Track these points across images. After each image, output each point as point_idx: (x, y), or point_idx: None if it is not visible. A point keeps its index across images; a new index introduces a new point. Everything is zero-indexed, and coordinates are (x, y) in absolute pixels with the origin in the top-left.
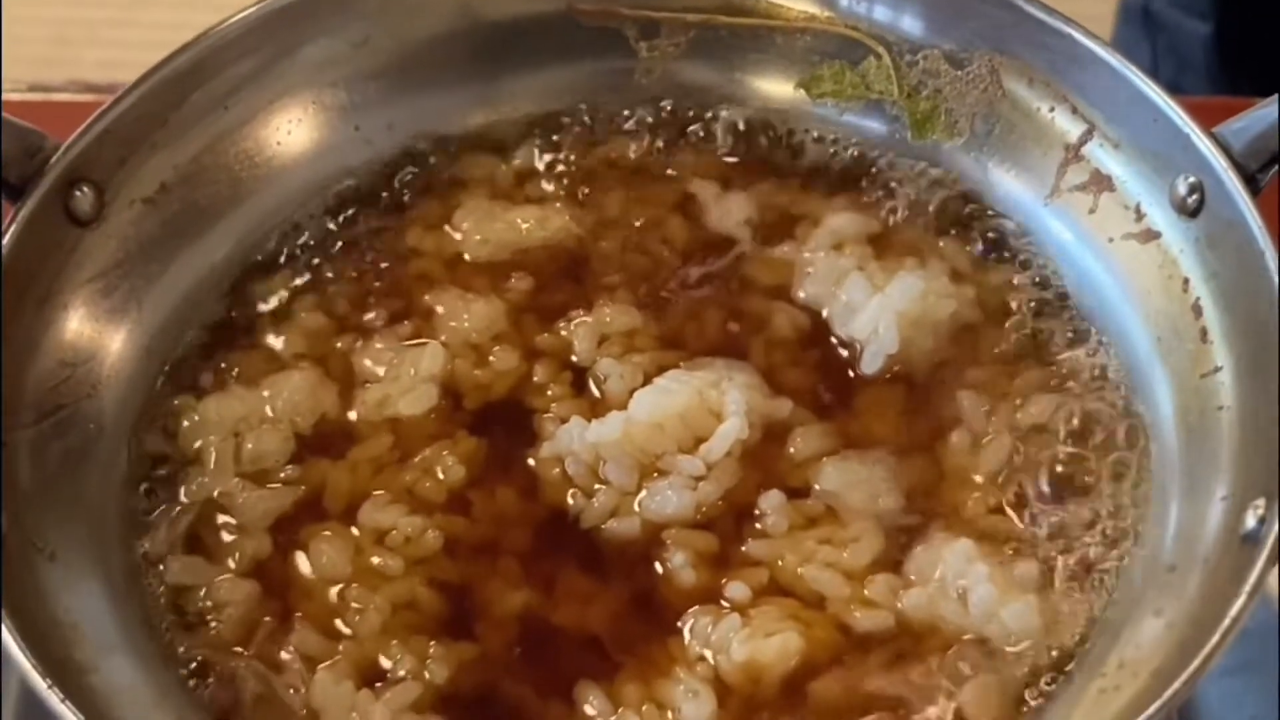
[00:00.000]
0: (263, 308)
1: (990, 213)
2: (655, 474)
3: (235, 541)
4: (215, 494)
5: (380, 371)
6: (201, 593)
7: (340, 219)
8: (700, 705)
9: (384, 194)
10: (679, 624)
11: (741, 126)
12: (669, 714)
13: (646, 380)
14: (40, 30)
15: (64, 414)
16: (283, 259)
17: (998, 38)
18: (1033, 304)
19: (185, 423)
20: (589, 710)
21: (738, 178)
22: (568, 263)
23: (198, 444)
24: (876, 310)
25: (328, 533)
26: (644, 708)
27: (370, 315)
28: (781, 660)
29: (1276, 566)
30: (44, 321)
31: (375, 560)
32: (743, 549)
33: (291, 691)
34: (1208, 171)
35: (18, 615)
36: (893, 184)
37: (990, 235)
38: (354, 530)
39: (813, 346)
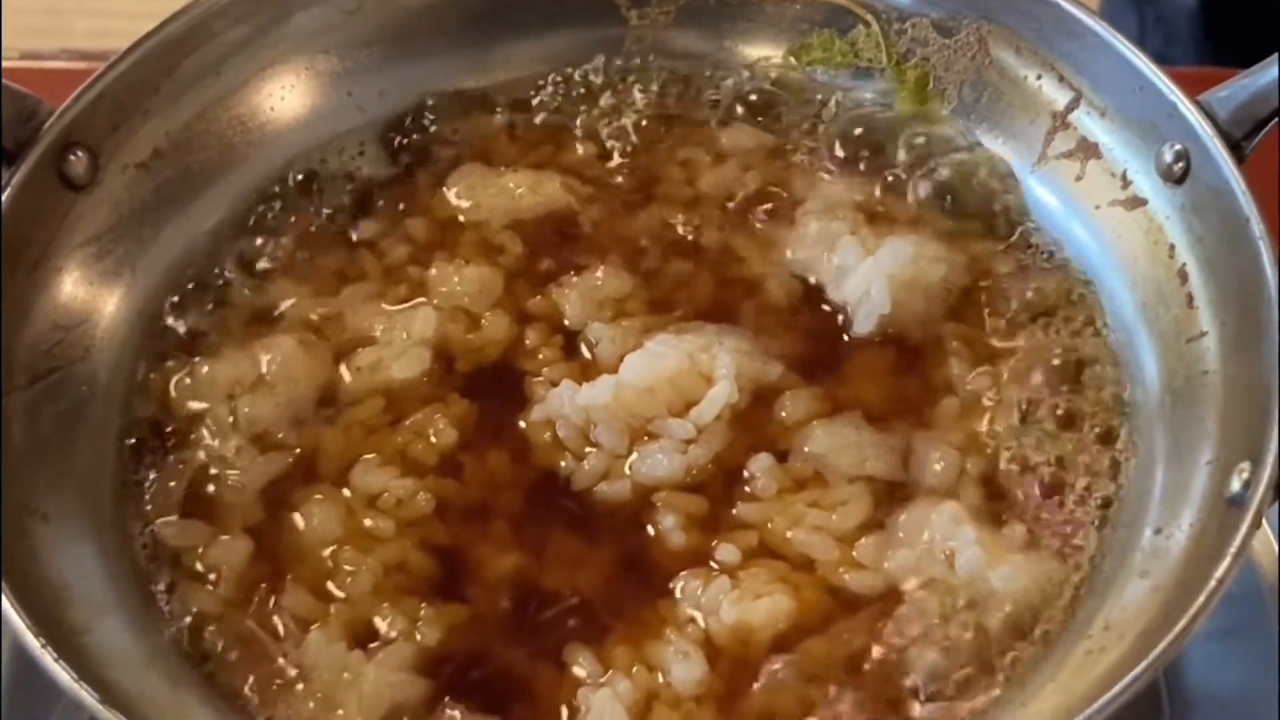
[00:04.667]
0: (255, 273)
1: (978, 179)
2: (645, 437)
3: (228, 504)
4: (208, 457)
5: (373, 335)
6: (194, 555)
7: (333, 184)
8: (690, 667)
9: (376, 160)
10: (669, 586)
11: (731, 94)
12: (659, 676)
13: (637, 344)
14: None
15: (56, 377)
16: (275, 224)
17: (986, 6)
18: (1021, 270)
19: (178, 387)
20: (579, 672)
21: (728, 144)
22: (560, 227)
23: (191, 408)
24: (868, 273)
25: (320, 495)
26: (634, 670)
27: (363, 279)
28: (771, 622)
29: (1261, 530)
30: (37, 285)
31: (367, 523)
32: (732, 512)
33: (283, 652)
34: (1193, 139)
35: (11, 576)
36: (882, 150)
37: (979, 202)
38: (346, 493)
39: (804, 311)
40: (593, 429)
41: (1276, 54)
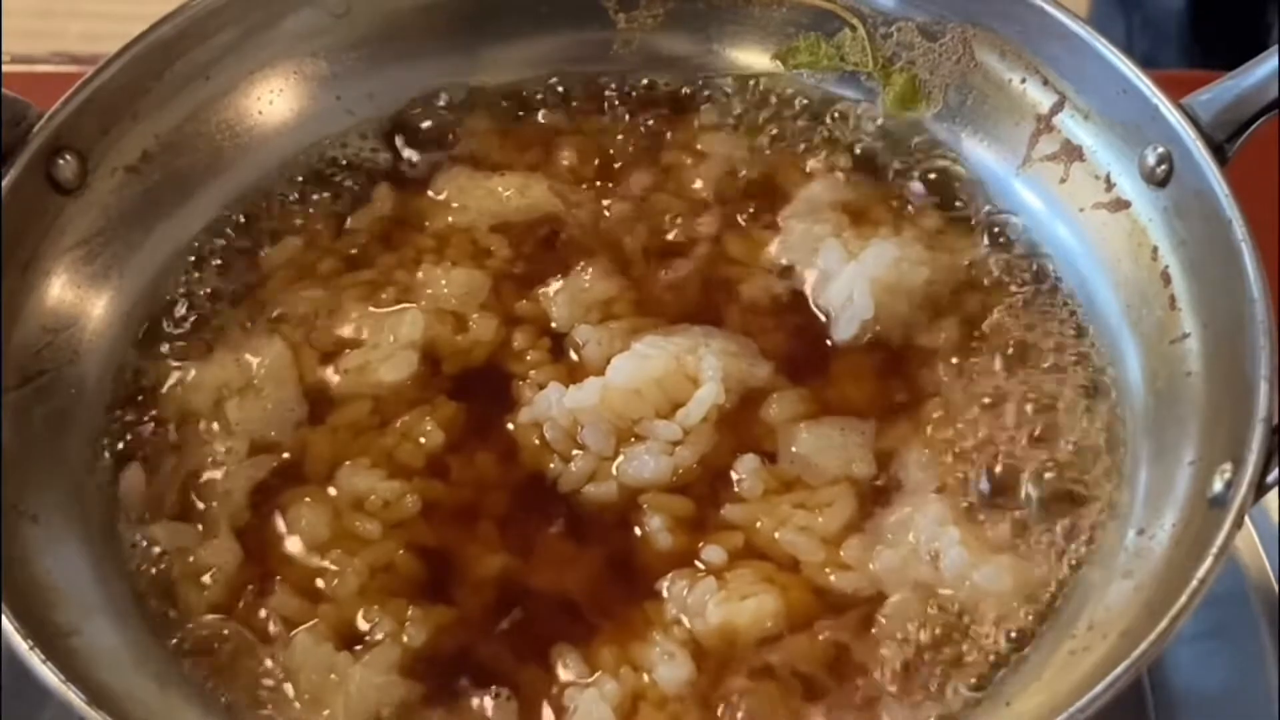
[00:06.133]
0: (243, 276)
1: (963, 182)
2: (632, 439)
3: (216, 506)
4: (196, 459)
5: (360, 337)
6: (182, 557)
7: (321, 188)
8: (676, 668)
9: (364, 163)
10: (655, 587)
11: (718, 97)
12: (645, 677)
13: (624, 346)
14: (23, 2)
15: (45, 379)
16: (263, 228)
17: (970, 10)
18: (1005, 272)
19: (166, 389)
20: (565, 673)
21: (714, 146)
22: (547, 230)
23: (179, 410)
24: (851, 277)
25: (307, 498)
26: (620, 670)
27: (350, 282)
28: (756, 622)
29: (1244, 530)
30: (26, 288)
31: (354, 524)
32: (719, 513)
33: (270, 653)
34: (1176, 142)
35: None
36: (867, 154)
37: (963, 204)
38: (333, 493)
39: (789, 313)
40: (580, 431)
41: (1259, 56)
